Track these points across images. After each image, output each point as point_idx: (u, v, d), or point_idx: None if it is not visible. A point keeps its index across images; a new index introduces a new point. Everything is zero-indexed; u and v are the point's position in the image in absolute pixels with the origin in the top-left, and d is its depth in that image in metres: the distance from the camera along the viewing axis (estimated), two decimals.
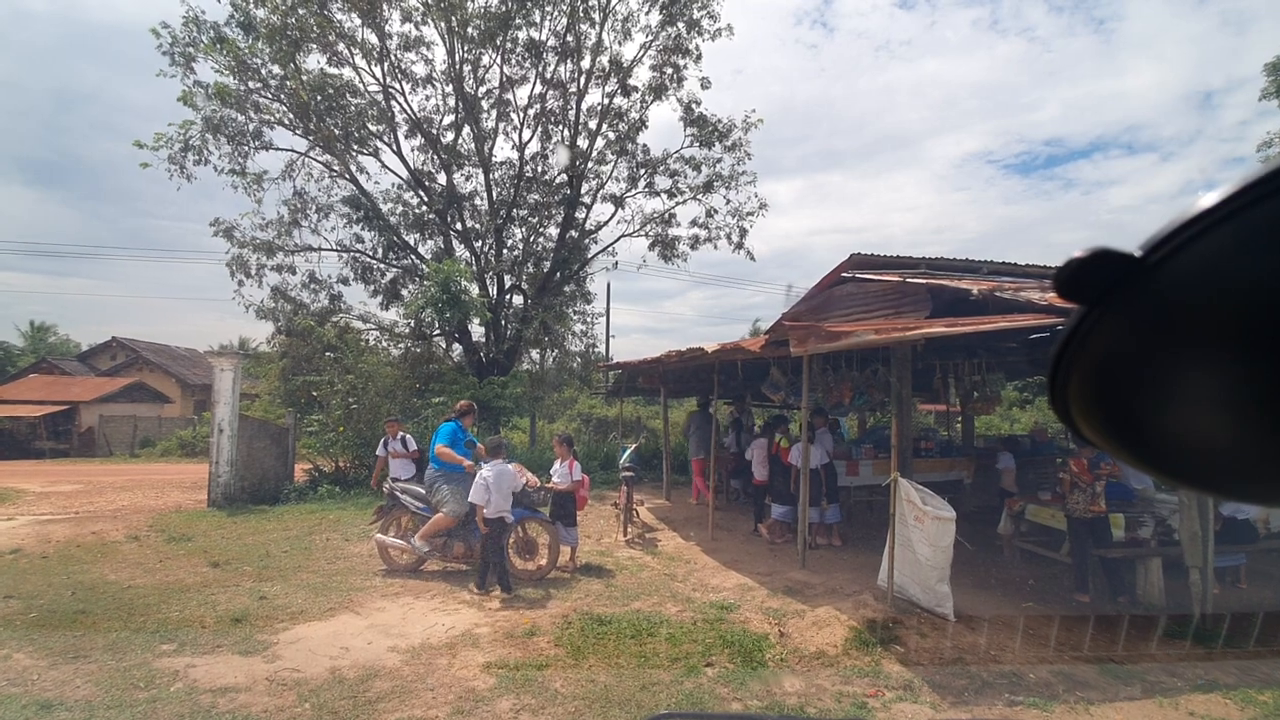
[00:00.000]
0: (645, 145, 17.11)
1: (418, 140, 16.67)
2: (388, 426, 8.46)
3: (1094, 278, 0.37)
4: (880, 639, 4.58)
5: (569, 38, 15.79)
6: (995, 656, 4.29)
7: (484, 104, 16.56)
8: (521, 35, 15.85)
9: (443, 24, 15.35)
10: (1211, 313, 0.37)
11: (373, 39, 15.36)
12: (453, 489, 6.04)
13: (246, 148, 14.86)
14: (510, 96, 16.59)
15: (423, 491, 6.32)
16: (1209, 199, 0.34)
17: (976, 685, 3.99)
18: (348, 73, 15.40)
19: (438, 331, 15.71)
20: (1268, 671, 4.27)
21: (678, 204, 17.43)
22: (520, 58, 16.20)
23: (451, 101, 16.43)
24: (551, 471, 6.76)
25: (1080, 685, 4.00)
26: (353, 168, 15.82)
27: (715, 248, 17.89)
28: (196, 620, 5.09)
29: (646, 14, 16.01)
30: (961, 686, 3.98)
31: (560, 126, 16.89)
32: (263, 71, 14.48)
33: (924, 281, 7.12)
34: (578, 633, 4.83)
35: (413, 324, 15.49)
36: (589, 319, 18.80)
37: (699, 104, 16.65)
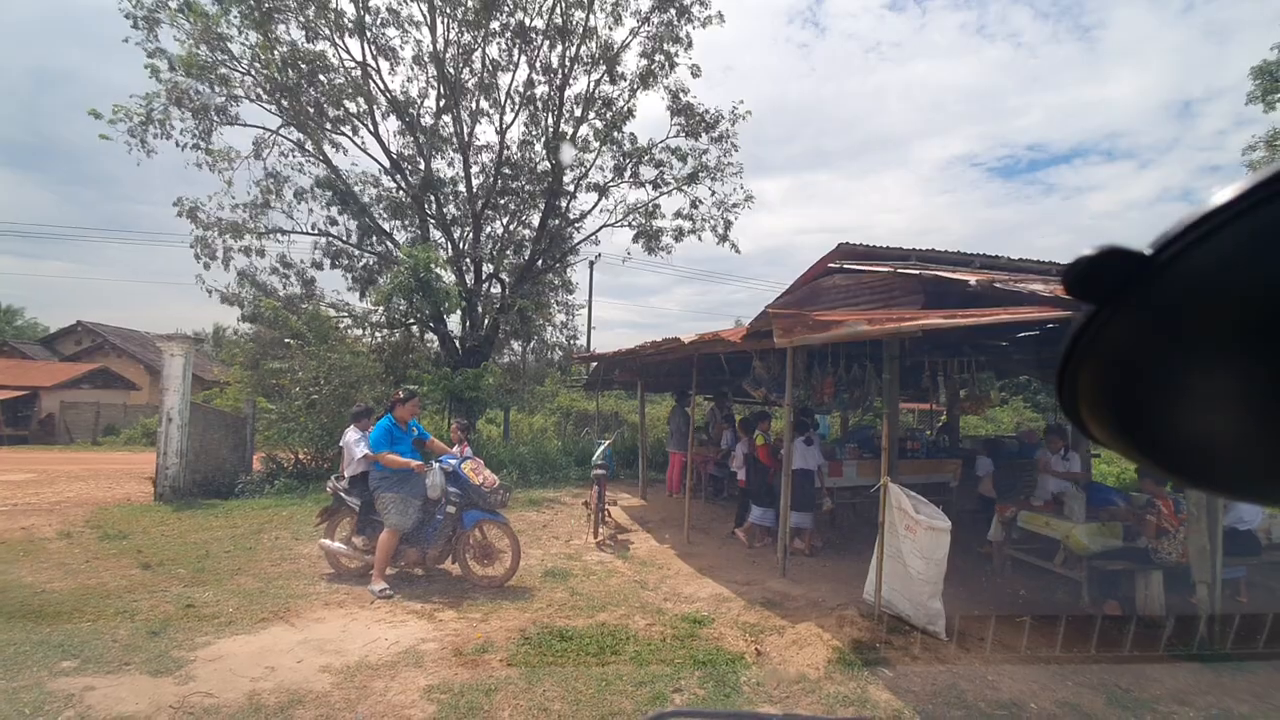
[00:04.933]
0: (632, 134, 16.64)
1: (396, 123, 16.05)
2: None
3: (1104, 276, 0.37)
4: (866, 660, 4.17)
5: (557, 20, 15.20)
6: (993, 684, 3.89)
7: (468, 86, 15.94)
8: (509, 18, 15.23)
9: (424, 3, 14.72)
10: (1222, 311, 0.36)
11: (351, 10, 14.70)
12: (395, 498, 5.44)
13: (211, 122, 14.16)
14: (495, 81, 16.01)
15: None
16: (1220, 197, 0.33)
17: (974, 717, 3.59)
18: (324, 47, 14.73)
19: (411, 320, 15.12)
20: None
21: (662, 194, 16.96)
22: (510, 41, 15.58)
23: (434, 85, 15.79)
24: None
25: (1087, 718, 3.62)
26: (327, 147, 15.16)
27: (699, 239, 17.45)
28: (109, 631, 4.55)
29: None
30: (958, 718, 3.58)
31: (546, 113, 16.32)
32: (231, 45, 13.75)
33: (916, 273, 6.72)
34: (534, 650, 4.37)
35: (384, 311, 14.92)
36: (570, 309, 18.32)
37: (687, 92, 16.19)
